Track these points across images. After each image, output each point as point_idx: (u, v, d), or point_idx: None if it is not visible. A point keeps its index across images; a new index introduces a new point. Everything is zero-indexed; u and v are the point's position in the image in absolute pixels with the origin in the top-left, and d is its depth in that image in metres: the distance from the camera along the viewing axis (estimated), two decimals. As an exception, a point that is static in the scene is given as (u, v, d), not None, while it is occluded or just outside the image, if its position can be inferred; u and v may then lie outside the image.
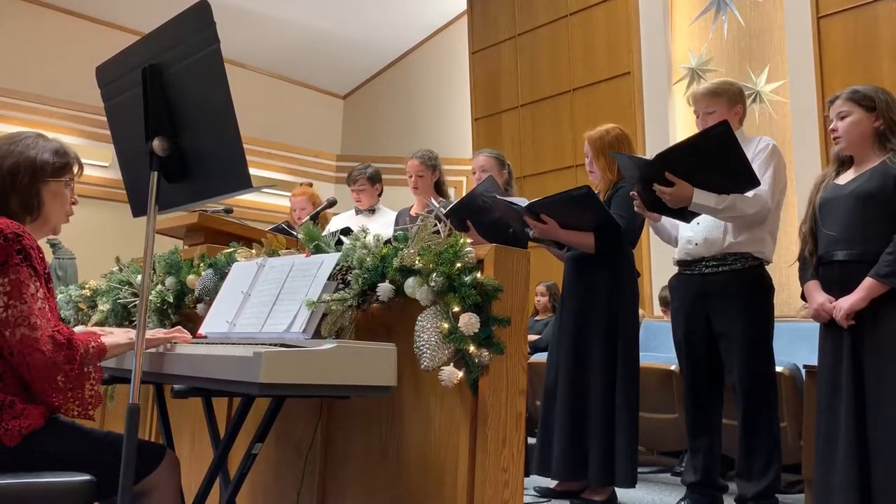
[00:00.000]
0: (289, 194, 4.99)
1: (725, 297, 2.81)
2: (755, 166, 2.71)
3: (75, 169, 1.86)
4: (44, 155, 1.78)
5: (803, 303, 2.71)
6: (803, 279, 2.64)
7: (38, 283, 1.67)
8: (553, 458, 2.96)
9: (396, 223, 3.86)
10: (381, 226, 3.89)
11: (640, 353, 3.07)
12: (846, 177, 2.58)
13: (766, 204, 2.74)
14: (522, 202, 3.01)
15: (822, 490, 2.46)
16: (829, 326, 2.53)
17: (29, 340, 1.60)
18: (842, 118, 2.55)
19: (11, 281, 1.62)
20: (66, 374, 1.63)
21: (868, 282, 2.39)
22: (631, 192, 2.84)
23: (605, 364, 2.93)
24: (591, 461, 2.89)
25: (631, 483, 2.86)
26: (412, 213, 3.89)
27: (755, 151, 2.82)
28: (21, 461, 1.59)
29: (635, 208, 2.85)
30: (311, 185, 4.83)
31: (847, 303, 2.43)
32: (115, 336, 1.79)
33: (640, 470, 2.96)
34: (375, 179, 4.20)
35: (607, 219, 2.90)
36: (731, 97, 2.91)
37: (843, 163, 2.63)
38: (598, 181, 3.18)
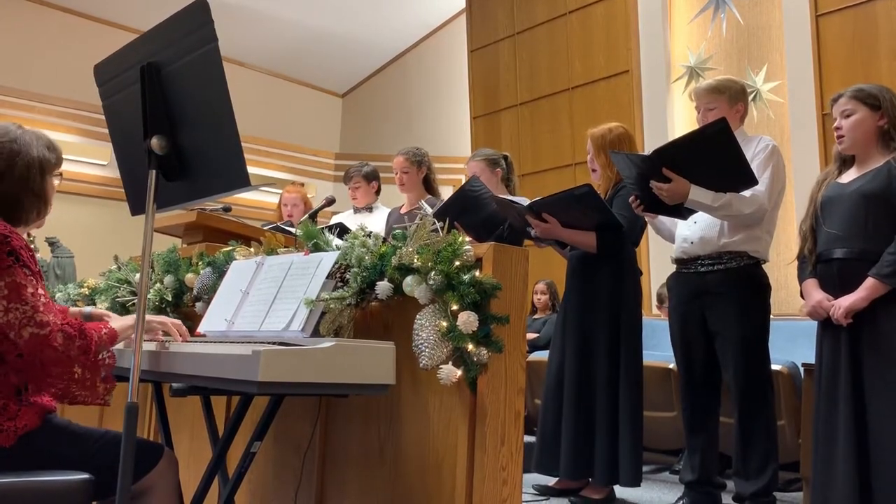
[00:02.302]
0: (288, 193, 4.95)
1: (721, 295, 2.81)
2: (754, 166, 2.70)
3: (62, 162, 1.86)
4: (44, 151, 1.78)
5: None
6: (801, 277, 2.63)
7: (35, 282, 1.65)
8: (560, 457, 2.96)
9: (387, 223, 3.85)
10: (379, 224, 3.89)
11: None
12: (849, 175, 2.57)
13: (763, 205, 2.73)
14: (523, 201, 3.01)
15: (821, 490, 2.46)
16: (826, 325, 2.52)
17: (39, 339, 1.59)
18: (846, 116, 2.53)
19: (7, 284, 1.60)
20: (83, 365, 1.63)
21: (869, 282, 2.38)
22: (630, 198, 2.84)
23: (609, 363, 2.93)
24: (596, 461, 2.89)
25: (636, 482, 2.86)
26: (402, 211, 3.88)
27: (755, 151, 2.82)
28: (18, 461, 1.59)
29: (634, 210, 2.85)
30: (303, 185, 4.81)
31: (847, 301, 2.42)
32: (121, 319, 1.79)
33: (639, 468, 2.96)
34: (371, 177, 4.20)
35: (609, 218, 2.90)
36: (733, 95, 2.91)
37: (845, 161, 2.61)
38: (599, 179, 3.19)
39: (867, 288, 2.38)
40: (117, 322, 1.75)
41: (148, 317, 1.82)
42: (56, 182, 1.82)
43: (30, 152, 1.75)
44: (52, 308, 1.65)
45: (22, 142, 1.76)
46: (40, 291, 1.65)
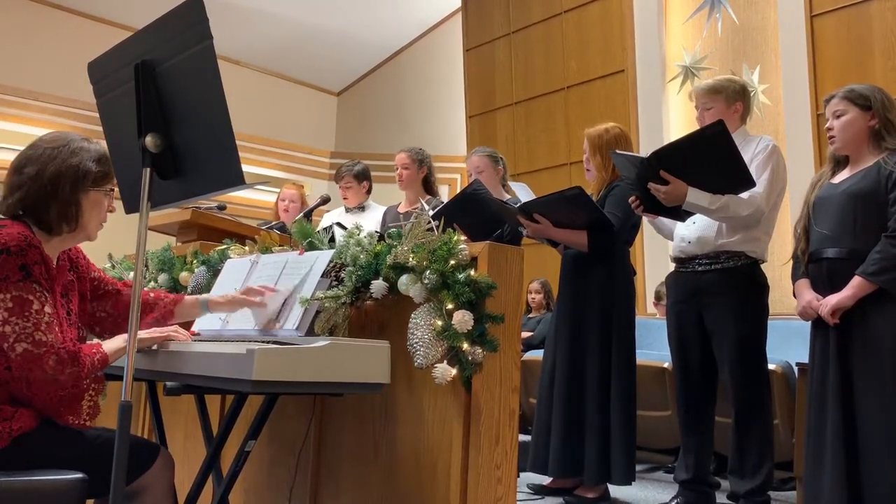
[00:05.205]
0: (283, 191, 4.98)
1: (718, 295, 2.81)
2: (753, 166, 2.71)
3: (113, 178, 1.83)
4: (87, 163, 1.75)
5: None
6: (794, 277, 2.64)
7: (45, 299, 1.64)
8: (549, 456, 2.96)
9: (384, 220, 3.86)
10: (372, 223, 3.89)
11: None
12: (841, 176, 2.58)
13: (760, 206, 2.73)
14: (516, 201, 3.01)
15: (811, 488, 2.47)
16: (817, 325, 2.53)
17: (31, 356, 1.59)
18: (837, 117, 2.54)
19: (14, 297, 1.59)
20: (69, 391, 1.63)
21: (856, 280, 2.39)
22: (630, 199, 2.84)
23: (600, 362, 2.93)
24: (586, 459, 2.89)
25: (627, 480, 2.86)
26: (399, 210, 3.89)
27: (755, 151, 2.81)
28: (13, 462, 1.59)
29: (634, 210, 2.85)
30: (303, 186, 4.86)
31: (834, 300, 2.43)
32: (114, 341, 1.78)
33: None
34: (362, 177, 4.19)
35: (600, 218, 2.90)
36: (731, 94, 2.90)
37: (839, 162, 2.62)
38: (593, 179, 3.19)
39: (854, 286, 2.39)
40: (109, 345, 1.74)
41: (142, 334, 1.80)
42: (100, 197, 1.78)
43: (67, 160, 1.72)
44: (53, 329, 1.63)
45: (67, 150, 1.73)
46: (47, 310, 1.63)
